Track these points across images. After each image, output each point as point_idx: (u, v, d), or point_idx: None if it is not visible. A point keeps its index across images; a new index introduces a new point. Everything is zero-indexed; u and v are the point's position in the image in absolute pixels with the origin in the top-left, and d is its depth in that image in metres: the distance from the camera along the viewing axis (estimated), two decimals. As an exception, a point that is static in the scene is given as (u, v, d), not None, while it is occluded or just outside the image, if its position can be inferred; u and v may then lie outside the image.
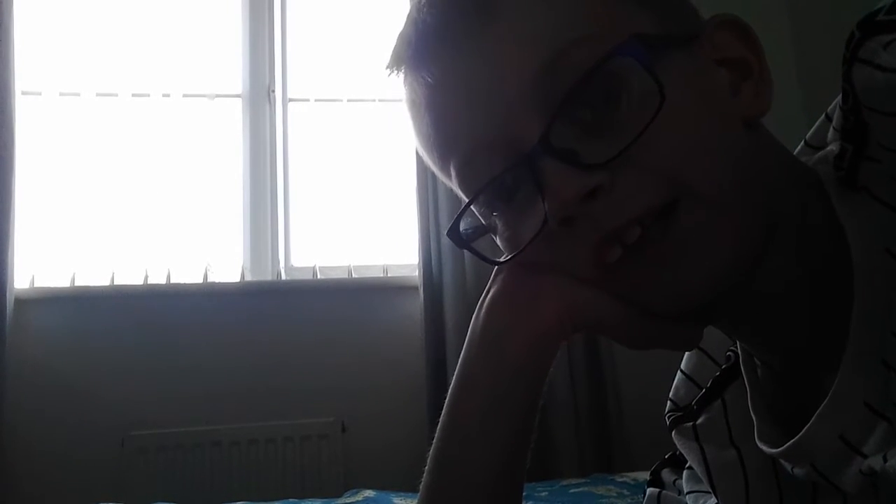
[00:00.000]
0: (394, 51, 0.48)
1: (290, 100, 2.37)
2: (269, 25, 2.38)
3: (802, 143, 0.51)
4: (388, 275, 2.28)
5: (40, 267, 2.10)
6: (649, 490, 0.67)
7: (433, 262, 2.15)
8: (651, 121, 0.38)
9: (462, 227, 0.47)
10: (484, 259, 0.47)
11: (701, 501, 0.59)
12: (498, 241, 0.47)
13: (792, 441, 0.43)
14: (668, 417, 0.58)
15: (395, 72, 0.48)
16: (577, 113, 0.40)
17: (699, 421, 0.55)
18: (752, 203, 0.42)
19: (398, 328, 2.19)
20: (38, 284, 2.07)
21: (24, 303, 1.99)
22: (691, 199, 0.40)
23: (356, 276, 2.27)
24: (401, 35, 0.47)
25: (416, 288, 2.17)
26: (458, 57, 0.43)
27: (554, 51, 0.41)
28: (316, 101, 2.40)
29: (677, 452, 0.63)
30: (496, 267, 0.48)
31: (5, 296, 1.89)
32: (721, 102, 0.43)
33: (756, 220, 0.42)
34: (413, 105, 0.47)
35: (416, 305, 2.15)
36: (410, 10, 0.47)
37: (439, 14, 0.44)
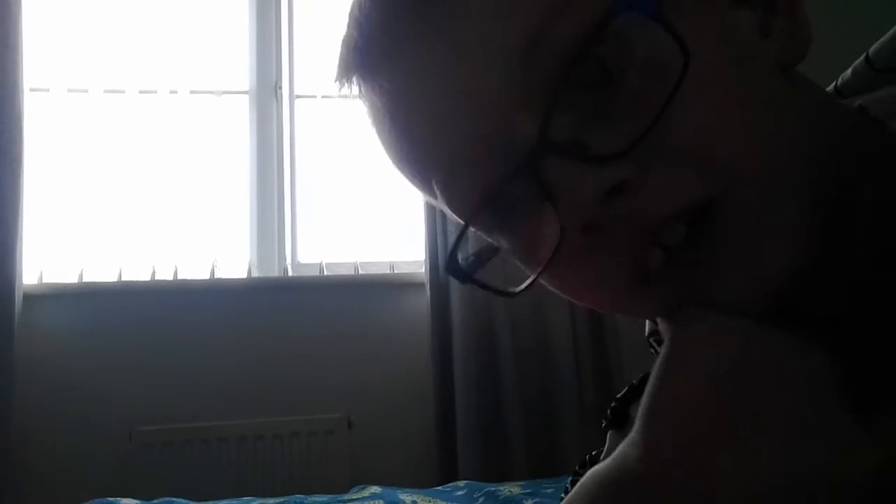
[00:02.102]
0: (339, 60, 0.39)
1: (297, 96, 2.37)
2: (276, 22, 2.38)
3: (833, 90, 0.43)
4: (395, 271, 2.28)
5: (48, 263, 2.11)
6: (612, 434, 0.54)
7: (440, 259, 2.15)
8: (675, 90, 0.30)
9: (464, 254, 0.39)
10: (496, 292, 0.38)
11: None
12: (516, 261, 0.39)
13: None
14: (650, 340, 0.50)
15: (346, 85, 0.38)
16: (579, 95, 0.32)
17: None
18: (812, 173, 0.33)
19: (404, 325, 2.19)
20: (46, 280, 2.07)
21: (33, 298, 2.00)
22: (738, 181, 0.32)
23: (363, 273, 2.27)
24: (344, 41, 0.39)
25: (422, 284, 2.17)
26: (416, 51, 0.34)
27: (537, 21, 0.32)
28: (323, 97, 2.40)
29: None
30: (681, 319, 0.33)
31: (13, 291, 1.90)
32: (752, 50, 0.34)
33: (817, 190, 0.34)
34: (375, 119, 0.38)
35: (423, 302, 2.15)
36: (351, 10, 0.39)
37: (384, 4, 0.36)
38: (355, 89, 0.38)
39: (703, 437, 0.29)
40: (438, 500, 1.53)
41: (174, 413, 2.00)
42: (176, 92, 2.29)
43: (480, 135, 0.34)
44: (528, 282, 0.37)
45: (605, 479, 0.31)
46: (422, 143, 0.36)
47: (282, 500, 1.53)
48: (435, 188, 0.37)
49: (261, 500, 1.55)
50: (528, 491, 1.53)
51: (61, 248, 2.14)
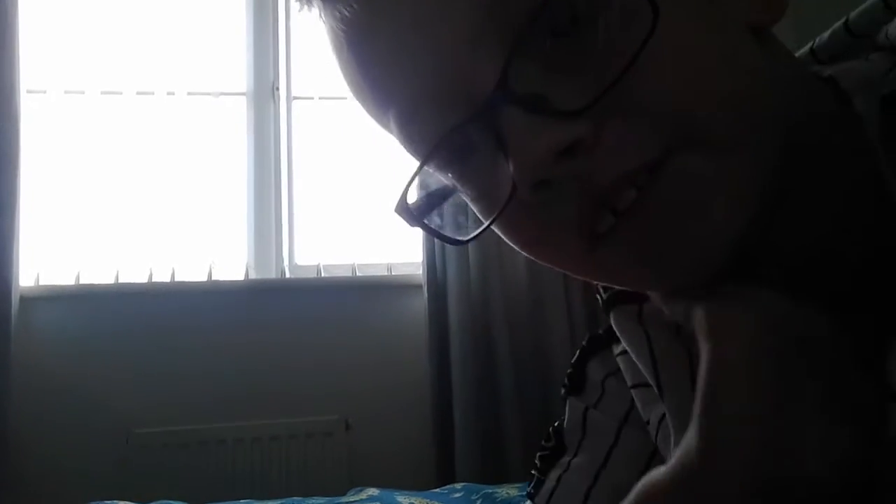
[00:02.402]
0: None
1: (295, 97, 2.37)
2: (274, 23, 2.38)
3: (808, 51, 0.42)
4: (392, 273, 2.28)
5: (45, 265, 2.11)
6: (571, 402, 0.53)
7: (437, 261, 2.15)
8: (641, 47, 0.29)
9: (415, 197, 0.37)
10: (445, 239, 0.37)
11: (650, 408, 0.47)
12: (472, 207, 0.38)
13: None
14: (606, 293, 0.48)
15: (305, 6, 0.36)
16: (544, 44, 0.31)
17: (647, 302, 0.44)
18: (769, 139, 0.33)
19: (402, 326, 2.19)
20: (43, 282, 2.07)
21: (29, 300, 2.00)
22: (696, 144, 0.31)
23: (360, 275, 2.27)
24: None
25: (419, 286, 2.17)
26: None
27: None
28: (320, 98, 2.40)
29: (600, 332, 0.52)
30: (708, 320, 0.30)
31: (10, 293, 1.89)
32: (726, 7, 0.33)
33: (775, 155, 0.34)
34: (334, 47, 0.36)
35: (420, 304, 2.15)
36: None
37: None
38: (315, 12, 0.36)
39: (760, 420, 0.28)
40: (436, 503, 1.53)
41: (172, 415, 1.99)
42: (173, 93, 2.29)
43: (441, 75, 0.32)
44: (478, 230, 0.36)
45: (666, 484, 0.28)
46: (381, 76, 0.34)
47: (279, 502, 1.53)
48: (391, 123, 0.36)
49: (258, 503, 1.54)
50: (526, 493, 1.53)
51: (58, 250, 2.14)
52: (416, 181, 0.36)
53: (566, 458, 0.52)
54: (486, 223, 0.35)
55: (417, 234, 2.19)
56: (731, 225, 0.33)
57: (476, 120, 0.32)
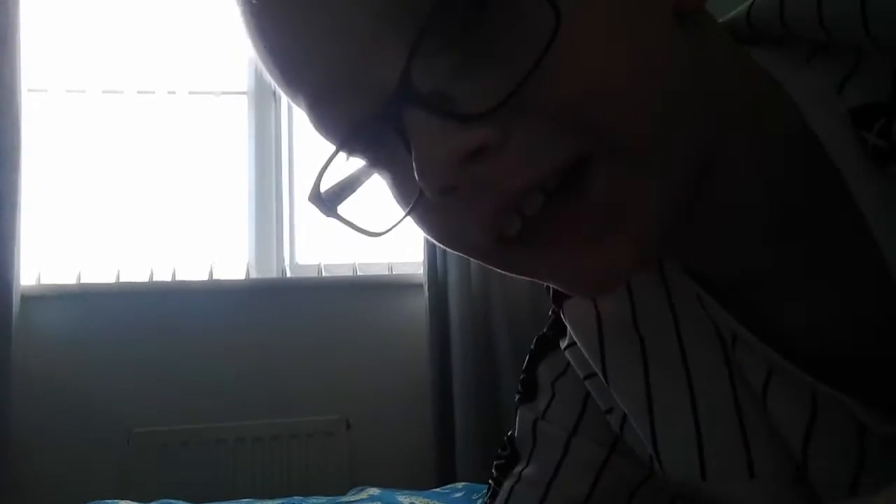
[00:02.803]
0: None
1: (296, 97, 2.36)
2: (275, 23, 2.38)
3: (743, 18, 0.38)
4: (393, 273, 2.28)
5: (46, 264, 2.10)
6: (521, 412, 0.53)
7: (438, 261, 2.15)
8: (544, 52, 0.28)
9: (329, 185, 0.35)
10: (358, 230, 0.36)
11: (609, 396, 0.47)
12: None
13: None
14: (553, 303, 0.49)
15: None
16: (450, 37, 0.29)
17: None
18: (688, 137, 0.32)
19: (403, 326, 2.18)
20: (44, 281, 2.07)
21: (30, 300, 1.99)
22: (605, 152, 0.30)
23: (361, 274, 2.27)
24: None
25: (420, 286, 2.17)
26: None
27: None
28: (321, 98, 2.39)
29: (547, 331, 0.52)
30: None
31: (11, 293, 1.89)
32: None
33: (693, 156, 0.33)
34: (245, 24, 0.34)
35: (421, 303, 2.15)
36: None
37: None
38: None
39: None
40: (437, 502, 1.53)
41: (172, 415, 1.99)
42: (174, 92, 2.29)
43: (346, 61, 0.31)
44: (393, 225, 0.35)
45: None
46: (287, 63, 0.33)
47: (280, 502, 1.53)
48: (302, 106, 0.35)
49: (259, 503, 1.54)
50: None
51: (59, 249, 2.14)
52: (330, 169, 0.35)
53: (518, 468, 0.51)
54: (400, 217, 0.35)
55: (418, 233, 2.17)
56: (639, 237, 0.32)
57: (380, 118, 0.31)
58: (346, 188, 0.36)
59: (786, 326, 0.38)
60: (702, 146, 0.33)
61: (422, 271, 2.17)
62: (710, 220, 0.36)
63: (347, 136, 0.33)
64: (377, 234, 0.36)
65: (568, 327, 0.48)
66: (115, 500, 1.52)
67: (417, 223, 0.36)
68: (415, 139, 0.29)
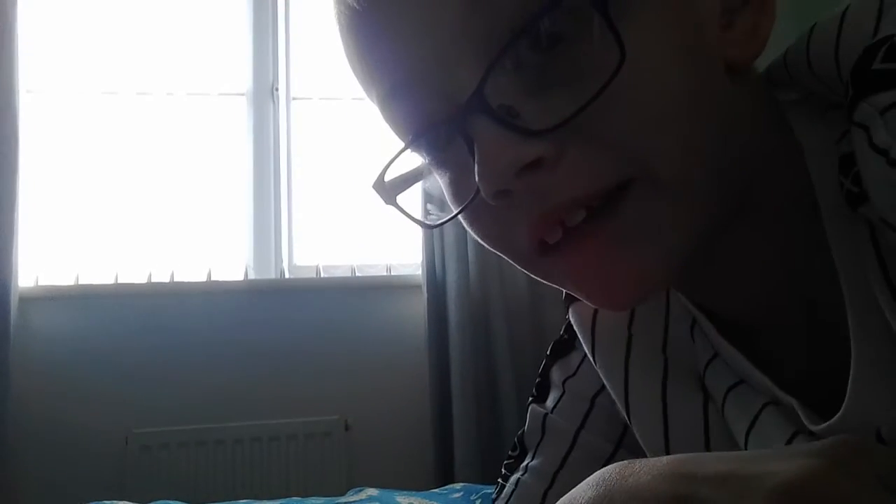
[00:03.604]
0: None
1: (294, 98, 2.37)
2: (274, 23, 2.38)
3: (781, 64, 0.40)
4: (392, 273, 2.28)
5: (44, 265, 2.10)
6: (532, 409, 0.55)
7: (436, 261, 2.15)
8: (606, 84, 0.31)
9: (392, 176, 0.40)
10: (413, 220, 0.41)
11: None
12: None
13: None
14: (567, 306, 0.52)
15: None
16: (524, 60, 0.33)
17: None
18: (723, 178, 0.35)
19: (401, 327, 2.19)
20: (42, 283, 2.07)
21: (29, 301, 1.99)
22: (647, 181, 0.33)
23: (359, 275, 2.27)
24: None
25: (419, 287, 2.17)
26: None
27: None
28: (320, 99, 2.40)
29: (563, 336, 0.56)
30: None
31: (9, 294, 1.89)
32: (705, 46, 0.35)
33: (726, 196, 0.36)
34: (339, 26, 0.39)
35: (420, 304, 2.15)
36: None
37: None
38: None
39: None
40: (435, 503, 1.53)
41: (171, 416, 1.99)
42: (173, 94, 2.29)
43: (424, 62, 0.34)
44: (446, 219, 0.39)
45: None
46: (370, 54, 0.37)
47: (279, 502, 1.52)
48: (375, 100, 0.39)
49: (258, 503, 1.54)
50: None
51: (57, 251, 2.14)
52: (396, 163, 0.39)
53: (525, 462, 0.53)
54: (453, 213, 0.38)
55: (417, 234, 2.19)
56: (666, 256, 0.35)
57: (451, 121, 0.34)
58: (406, 181, 0.41)
59: (786, 371, 0.40)
60: (735, 188, 0.37)
61: (420, 272, 2.17)
62: (728, 261, 0.40)
63: (418, 133, 0.37)
64: (431, 226, 0.41)
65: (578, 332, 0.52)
66: (114, 501, 1.52)
67: (466, 222, 0.39)
68: (480, 145, 0.33)
